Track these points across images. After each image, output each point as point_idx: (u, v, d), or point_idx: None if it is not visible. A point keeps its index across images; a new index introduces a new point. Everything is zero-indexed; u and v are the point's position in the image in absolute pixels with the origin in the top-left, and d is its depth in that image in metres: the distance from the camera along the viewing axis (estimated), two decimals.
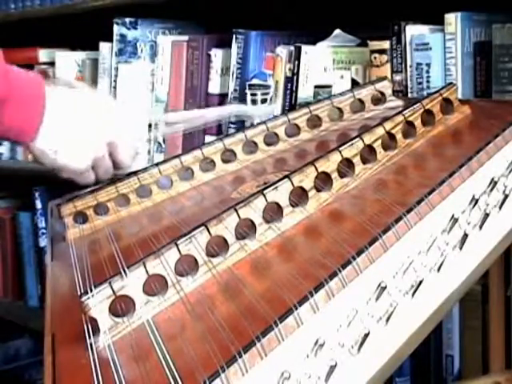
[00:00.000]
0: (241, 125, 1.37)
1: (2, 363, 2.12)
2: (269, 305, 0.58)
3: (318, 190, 0.74)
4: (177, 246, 0.66)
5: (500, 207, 0.72)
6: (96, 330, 0.62)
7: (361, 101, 1.03)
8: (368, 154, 0.78)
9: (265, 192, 0.71)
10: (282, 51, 1.37)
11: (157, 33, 1.60)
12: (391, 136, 0.81)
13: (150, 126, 1.24)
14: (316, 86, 1.34)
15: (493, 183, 0.72)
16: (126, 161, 0.91)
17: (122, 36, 1.59)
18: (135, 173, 0.95)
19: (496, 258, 0.73)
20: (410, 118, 0.83)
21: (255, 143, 0.99)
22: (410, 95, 1.21)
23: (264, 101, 1.38)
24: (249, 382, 0.53)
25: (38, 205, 1.93)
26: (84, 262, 0.78)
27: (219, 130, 1.46)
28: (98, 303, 0.62)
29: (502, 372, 1.14)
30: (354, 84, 1.30)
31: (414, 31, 1.21)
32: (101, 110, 0.88)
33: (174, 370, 0.54)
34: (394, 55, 1.23)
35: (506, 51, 1.12)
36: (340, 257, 0.61)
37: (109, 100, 0.92)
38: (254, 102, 1.38)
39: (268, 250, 0.69)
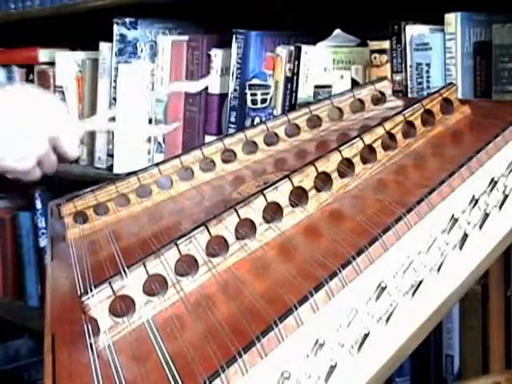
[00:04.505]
0: (241, 125, 1.38)
1: (2, 363, 2.12)
2: (269, 305, 0.58)
3: (318, 190, 0.74)
4: (177, 245, 0.66)
5: (500, 207, 0.72)
6: (96, 329, 0.62)
7: (361, 101, 1.03)
8: (368, 153, 0.78)
9: (265, 192, 0.71)
10: (282, 51, 1.37)
11: (157, 33, 1.60)
12: (391, 136, 0.81)
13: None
14: (316, 86, 1.34)
15: (493, 183, 0.72)
16: (71, 151, 0.89)
17: (122, 36, 1.59)
18: (135, 173, 0.95)
19: (496, 258, 0.73)
20: (410, 118, 0.83)
21: (255, 143, 0.99)
22: (410, 95, 1.21)
23: (264, 101, 1.38)
24: (249, 382, 0.53)
25: (38, 205, 1.93)
26: (84, 262, 0.78)
27: (219, 130, 1.47)
28: (97, 303, 0.62)
29: (502, 372, 1.14)
30: (354, 84, 1.29)
31: (414, 31, 1.21)
32: (37, 107, 0.86)
33: (174, 370, 0.54)
34: (394, 55, 1.23)
35: (506, 51, 1.12)
36: (340, 257, 0.61)
37: (43, 94, 0.88)
38: (253, 102, 1.38)
39: (268, 250, 0.69)
